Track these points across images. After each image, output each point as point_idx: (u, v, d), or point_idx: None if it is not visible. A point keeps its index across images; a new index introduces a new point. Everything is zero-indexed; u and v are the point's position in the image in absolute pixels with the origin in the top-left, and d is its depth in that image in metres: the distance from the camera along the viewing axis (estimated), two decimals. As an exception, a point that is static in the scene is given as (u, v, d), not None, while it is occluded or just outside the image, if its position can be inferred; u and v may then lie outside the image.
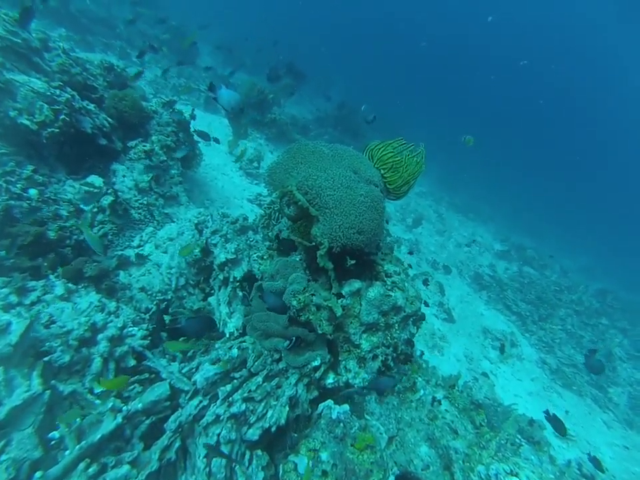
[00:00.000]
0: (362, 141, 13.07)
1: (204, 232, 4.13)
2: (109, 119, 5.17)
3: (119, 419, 2.31)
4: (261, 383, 2.64)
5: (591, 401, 8.79)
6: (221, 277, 3.71)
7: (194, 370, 2.78)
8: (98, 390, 2.44)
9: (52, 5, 10.63)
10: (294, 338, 2.80)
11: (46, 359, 2.42)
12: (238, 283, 3.72)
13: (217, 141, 9.11)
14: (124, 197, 5.01)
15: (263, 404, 2.60)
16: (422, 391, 3.31)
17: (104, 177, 4.95)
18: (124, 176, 5.25)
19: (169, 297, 3.82)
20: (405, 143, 3.33)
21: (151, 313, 3.44)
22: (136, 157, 5.52)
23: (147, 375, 2.71)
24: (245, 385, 2.67)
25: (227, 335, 3.49)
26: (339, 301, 2.87)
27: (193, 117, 6.56)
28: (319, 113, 17.04)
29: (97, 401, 2.40)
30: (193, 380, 2.59)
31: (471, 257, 14.66)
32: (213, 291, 3.80)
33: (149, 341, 2.97)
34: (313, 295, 2.86)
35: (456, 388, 3.54)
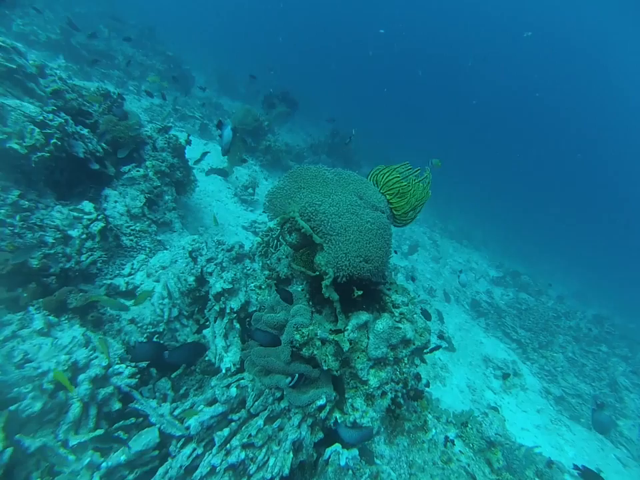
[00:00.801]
0: (355, 168, 13.15)
1: (199, 260, 3.94)
2: (103, 144, 5.06)
3: None
4: (262, 426, 2.39)
5: (601, 435, 8.44)
6: (217, 307, 3.50)
7: (187, 411, 2.52)
8: (74, 442, 2.13)
9: (53, 37, 10.79)
10: (297, 375, 2.58)
11: (12, 407, 2.13)
12: (235, 315, 3.50)
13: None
14: (115, 223, 4.83)
15: (264, 450, 2.35)
16: (434, 430, 3.06)
17: (95, 202, 4.78)
18: (116, 201, 5.08)
19: (161, 329, 3.58)
20: (410, 168, 3.24)
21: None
22: (129, 182, 5.38)
23: (133, 420, 2.43)
24: (244, 428, 2.41)
25: (224, 371, 3.24)
26: (345, 334, 2.67)
27: (188, 142, 6.50)
28: (312, 140, 17.23)
29: (71, 457, 2.11)
30: (186, 424, 2.33)
31: (468, 284, 14.52)
32: (208, 323, 3.57)
33: (137, 379, 2.71)
34: (317, 328, 2.66)
35: (469, 426, 3.30)
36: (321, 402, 2.62)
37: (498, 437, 3.97)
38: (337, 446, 2.53)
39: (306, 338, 2.61)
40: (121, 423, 2.37)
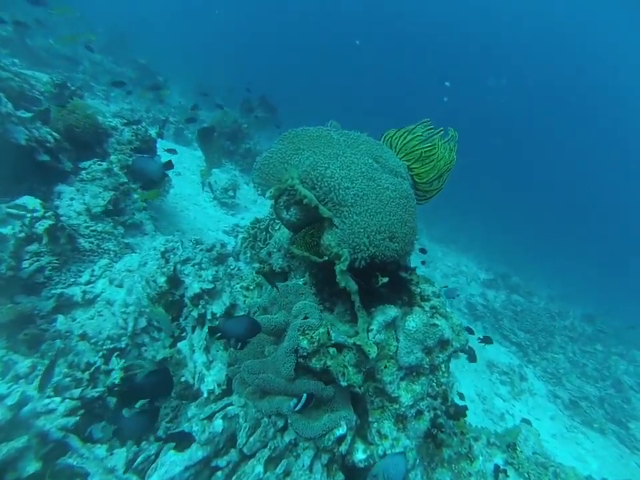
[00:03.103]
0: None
1: (171, 258, 3.21)
2: (54, 133, 4.28)
3: None
4: (262, 474, 1.66)
5: (616, 440, 7.93)
6: (194, 313, 2.76)
7: (150, 461, 1.76)
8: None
9: (3, 34, 9.89)
10: (305, 395, 1.87)
11: None
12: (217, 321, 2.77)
13: None
14: (70, 222, 4.03)
15: (265, 510, 1.62)
16: (480, 458, 2.39)
17: (46, 200, 3.99)
18: (72, 199, 4.29)
19: (123, 345, 2.80)
20: (431, 128, 2.62)
21: (92, 369, 2.41)
22: (89, 177, 4.60)
23: None
24: (235, 479, 1.68)
25: (205, 394, 2.50)
26: (370, 335, 1.99)
27: (160, 134, 5.78)
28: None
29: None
30: (148, 483, 1.59)
31: (459, 287, 14.06)
32: (184, 334, 2.83)
33: (79, 417, 1.94)
34: (330, 330, 1.97)
35: (518, 448, 2.64)
36: (341, 431, 1.91)
37: (537, 457, 3.31)
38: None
39: (316, 344, 1.92)
40: None
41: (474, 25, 45.24)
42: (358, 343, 1.91)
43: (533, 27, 40.72)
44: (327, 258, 2.09)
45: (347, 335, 1.99)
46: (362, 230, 2.02)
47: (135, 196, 5.09)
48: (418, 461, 2.19)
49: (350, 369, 1.92)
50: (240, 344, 1.77)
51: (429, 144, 2.54)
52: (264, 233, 3.44)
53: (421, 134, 2.59)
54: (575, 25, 37.59)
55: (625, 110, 40.95)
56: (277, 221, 3.54)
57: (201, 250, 3.95)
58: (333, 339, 1.92)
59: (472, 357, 4.78)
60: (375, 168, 2.28)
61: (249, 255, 3.25)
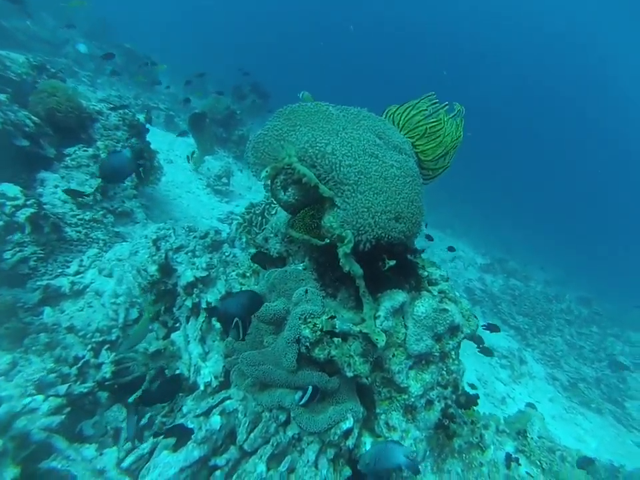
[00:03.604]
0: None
1: (163, 245, 3.05)
2: (33, 117, 4.06)
3: None
4: (264, 472, 1.54)
5: (613, 419, 8.00)
6: (188, 303, 2.62)
7: (144, 460, 1.63)
8: None
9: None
10: (310, 388, 1.74)
11: None
12: (213, 311, 2.63)
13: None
14: (55, 211, 3.84)
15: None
16: (492, 447, 2.29)
17: (26, 188, 3.79)
18: (56, 186, 4.09)
19: (114, 337, 2.66)
20: (437, 102, 2.45)
21: (81, 363, 2.27)
22: (74, 164, 4.39)
23: None
24: (235, 478, 1.56)
25: (202, 387, 2.37)
26: (377, 322, 1.86)
27: (148, 119, 5.54)
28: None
29: None
30: (140, 488, 1.45)
31: (457, 272, 14.02)
32: (178, 324, 2.69)
33: (65, 416, 1.80)
34: (333, 317, 1.83)
35: (529, 436, 2.55)
36: (348, 424, 1.79)
37: (544, 442, 3.24)
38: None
39: (319, 333, 1.79)
40: None
41: (472, 23, 44.61)
42: (364, 330, 1.78)
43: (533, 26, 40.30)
44: (328, 241, 1.94)
45: (351, 322, 1.85)
46: (366, 210, 1.87)
47: (124, 183, 4.89)
48: (428, 452, 2.09)
49: (356, 358, 1.79)
50: (243, 327, 1.63)
51: (434, 119, 2.38)
52: (260, 218, 3.28)
53: (425, 109, 2.42)
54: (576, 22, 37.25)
55: (618, 96, 40.90)
56: (273, 205, 3.38)
57: (195, 237, 3.79)
58: (337, 327, 1.78)
59: (487, 351, 4.64)
60: (378, 144, 2.12)
61: (245, 239, 3.09)
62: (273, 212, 3.31)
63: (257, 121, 15.27)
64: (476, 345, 4.48)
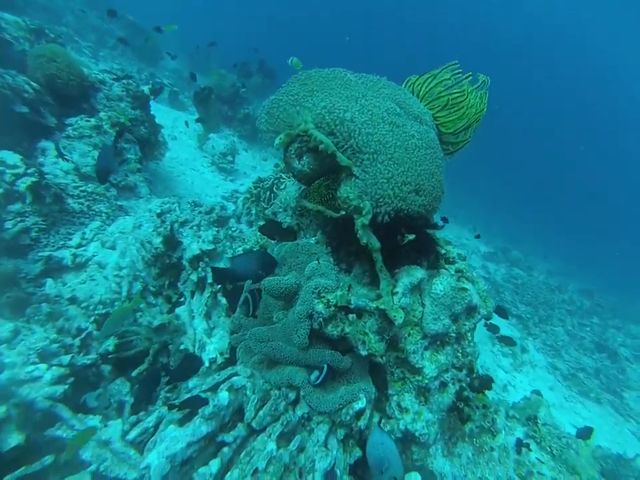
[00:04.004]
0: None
1: (168, 217, 2.95)
2: (32, 83, 3.91)
3: None
4: (274, 450, 1.47)
5: (611, 408, 8.04)
6: (193, 277, 2.53)
7: (149, 434, 1.57)
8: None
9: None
10: (325, 366, 1.67)
11: None
12: (219, 286, 2.55)
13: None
14: (56, 181, 3.74)
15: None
16: (503, 432, 2.23)
17: (27, 157, 3.68)
18: (58, 156, 3.98)
19: (117, 311, 2.58)
20: (459, 72, 2.31)
21: (84, 335, 2.20)
22: (76, 134, 4.26)
23: (49, 460, 1.43)
24: (243, 455, 1.49)
25: (207, 364, 2.30)
26: (395, 298, 1.77)
27: (154, 92, 5.37)
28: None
29: None
30: (145, 463, 1.37)
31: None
32: (183, 299, 2.61)
33: (68, 386, 1.73)
34: (350, 288, 1.74)
35: (539, 421, 2.50)
36: (360, 405, 1.72)
37: (550, 429, 3.19)
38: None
39: (333, 309, 1.70)
40: (23, 470, 1.35)
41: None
42: (381, 307, 1.69)
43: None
44: (344, 212, 1.84)
45: (367, 298, 1.76)
46: (386, 180, 1.76)
47: (128, 157, 4.77)
48: (439, 435, 2.03)
49: (371, 336, 1.71)
50: (254, 302, 1.54)
51: (457, 90, 2.24)
52: (268, 193, 3.17)
53: (448, 78, 2.28)
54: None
55: (623, 84, 40.17)
56: (282, 180, 3.26)
57: (200, 212, 3.69)
58: (352, 302, 1.69)
59: (507, 340, 4.54)
60: (399, 114, 1.99)
61: (255, 211, 2.98)
62: (282, 187, 3.19)
63: (261, 102, 14.88)
64: (492, 333, 4.39)
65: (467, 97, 2.21)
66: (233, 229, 3.21)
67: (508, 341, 5.24)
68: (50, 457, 1.37)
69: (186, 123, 7.95)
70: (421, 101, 2.32)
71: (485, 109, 2.29)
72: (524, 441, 2.27)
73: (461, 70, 2.32)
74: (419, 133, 1.96)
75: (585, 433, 3.84)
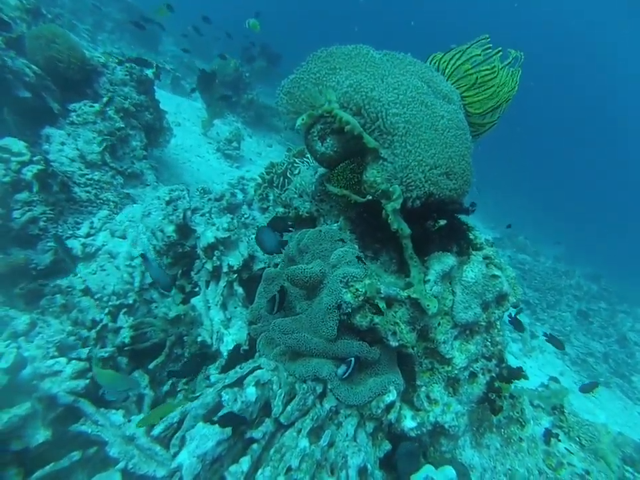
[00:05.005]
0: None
1: (179, 205, 2.86)
2: (33, 66, 3.77)
3: None
4: (307, 447, 1.41)
5: (620, 392, 8.05)
6: (208, 266, 2.45)
7: (173, 429, 1.51)
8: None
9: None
10: (353, 359, 1.60)
11: None
12: (235, 275, 2.47)
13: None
14: (63, 169, 3.65)
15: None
16: (532, 422, 2.18)
17: (31, 144, 3.57)
18: (63, 143, 3.87)
19: (131, 301, 2.52)
20: (489, 48, 2.17)
21: (99, 327, 2.14)
22: (80, 120, 4.14)
23: (77, 456, 1.37)
24: (273, 452, 1.43)
25: (226, 356, 2.25)
26: (427, 287, 1.68)
27: (157, 75, 5.22)
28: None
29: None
30: (176, 463, 1.32)
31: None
32: (197, 289, 2.54)
33: (89, 380, 1.67)
34: (377, 282, 1.66)
35: (566, 411, 2.44)
36: (391, 397, 1.65)
37: (571, 418, 3.14)
38: (429, 468, 1.59)
39: (362, 298, 1.62)
40: (51, 468, 1.29)
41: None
42: (414, 296, 1.61)
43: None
44: (370, 197, 1.74)
45: (396, 287, 1.68)
46: (417, 164, 1.65)
47: (134, 143, 4.66)
48: (467, 427, 1.97)
49: (402, 326, 1.63)
50: (280, 299, 1.47)
51: (487, 67, 2.11)
52: (281, 178, 3.07)
53: (478, 54, 2.15)
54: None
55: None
56: (295, 165, 3.15)
57: (209, 199, 3.60)
58: (382, 292, 1.61)
59: (519, 326, 4.45)
60: (427, 93, 1.88)
61: (272, 197, 2.88)
62: (296, 172, 3.09)
63: (265, 87, 14.63)
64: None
65: (497, 75, 2.09)
66: (245, 216, 3.12)
67: (518, 326, 5.16)
68: (77, 453, 1.32)
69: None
70: (448, 79, 2.19)
71: (517, 88, 2.16)
72: (554, 432, 2.21)
73: (490, 45, 2.18)
74: (448, 113, 1.85)
75: (589, 387, 3.89)
